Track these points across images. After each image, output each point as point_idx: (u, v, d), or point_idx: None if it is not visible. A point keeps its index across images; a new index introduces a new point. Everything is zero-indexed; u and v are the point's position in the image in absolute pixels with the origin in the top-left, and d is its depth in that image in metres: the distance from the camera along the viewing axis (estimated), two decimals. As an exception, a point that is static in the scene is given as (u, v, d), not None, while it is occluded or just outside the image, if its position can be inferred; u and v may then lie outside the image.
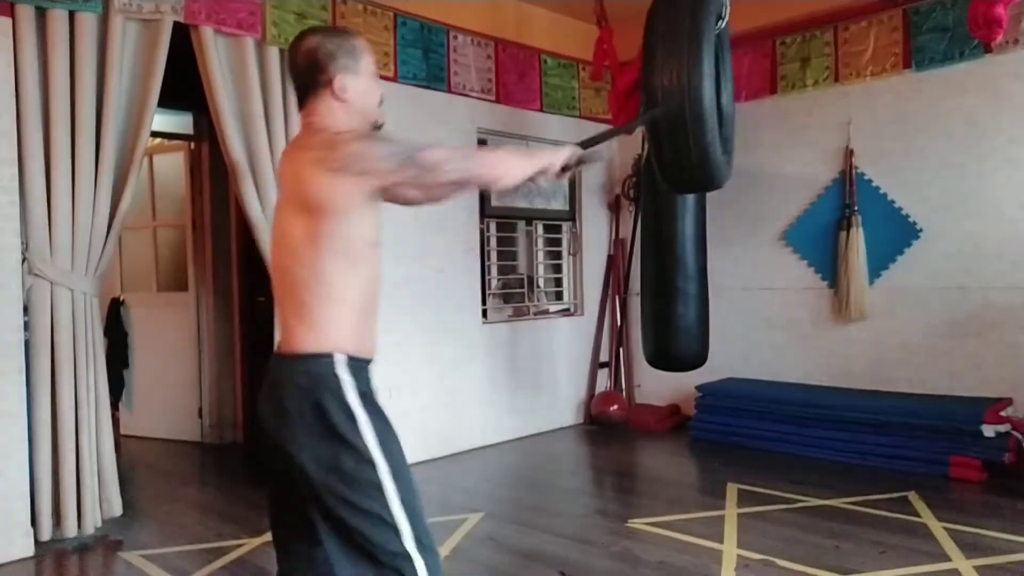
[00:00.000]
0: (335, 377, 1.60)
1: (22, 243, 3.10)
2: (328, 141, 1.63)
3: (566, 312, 5.69)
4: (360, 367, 1.65)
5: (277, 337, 1.74)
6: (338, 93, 1.70)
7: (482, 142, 4.96)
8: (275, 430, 1.62)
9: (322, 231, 1.60)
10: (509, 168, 1.76)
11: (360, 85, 1.73)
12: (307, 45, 1.72)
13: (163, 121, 4.93)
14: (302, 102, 1.75)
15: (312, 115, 1.73)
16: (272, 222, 1.84)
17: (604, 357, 5.76)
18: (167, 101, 3.55)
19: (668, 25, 3.17)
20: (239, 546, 3.14)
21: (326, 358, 1.61)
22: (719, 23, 3.37)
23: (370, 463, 1.58)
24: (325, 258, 1.61)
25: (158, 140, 5.13)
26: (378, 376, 1.73)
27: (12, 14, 3.05)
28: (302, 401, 1.59)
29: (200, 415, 5.17)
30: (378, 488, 1.58)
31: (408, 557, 1.59)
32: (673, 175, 3.42)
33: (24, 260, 3.11)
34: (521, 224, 5.47)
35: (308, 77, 1.72)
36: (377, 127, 1.79)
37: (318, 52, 1.70)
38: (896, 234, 4.54)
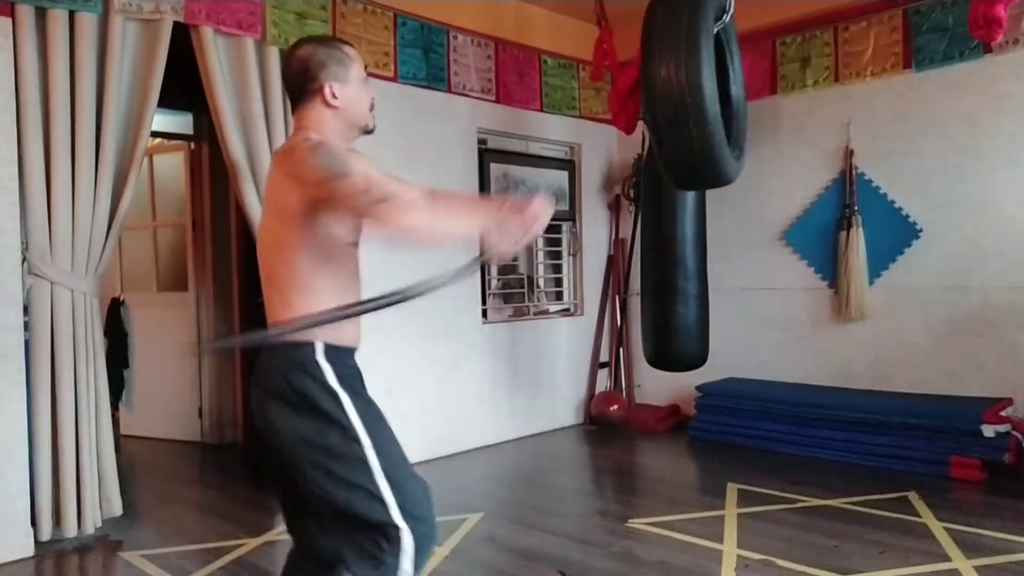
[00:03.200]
0: (315, 363, 1.71)
1: (22, 243, 3.10)
2: (294, 146, 1.74)
3: (566, 312, 5.69)
4: (340, 354, 1.76)
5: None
6: (328, 99, 1.80)
7: (482, 142, 4.97)
8: (262, 414, 1.74)
9: (293, 233, 1.72)
10: (438, 222, 1.67)
11: (349, 92, 1.82)
12: (299, 54, 1.82)
13: (163, 121, 4.93)
14: (294, 107, 1.85)
15: (303, 120, 1.83)
16: (260, 221, 1.89)
17: (604, 357, 5.76)
18: (167, 101, 3.55)
19: (665, 23, 3.16)
20: (239, 546, 3.14)
21: (307, 346, 1.71)
22: (724, 17, 3.36)
23: (355, 439, 1.69)
24: (302, 257, 1.72)
25: (158, 140, 5.14)
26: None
27: (12, 14, 3.05)
28: (284, 385, 1.70)
29: (200, 415, 5.17)
30: (363, 462, 1.68)
31: (394, 526, 1.69)
32: (678, 171, 3.40)
33: (24, 260, 3.11)
34: (521, 224, 5.46)
35: (300, 84, 1.82)
36: (368, 131, 1.89)
37: (310, 61, 1.80)
38: (896, 234, 4.54)
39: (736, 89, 3.68)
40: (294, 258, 1.72)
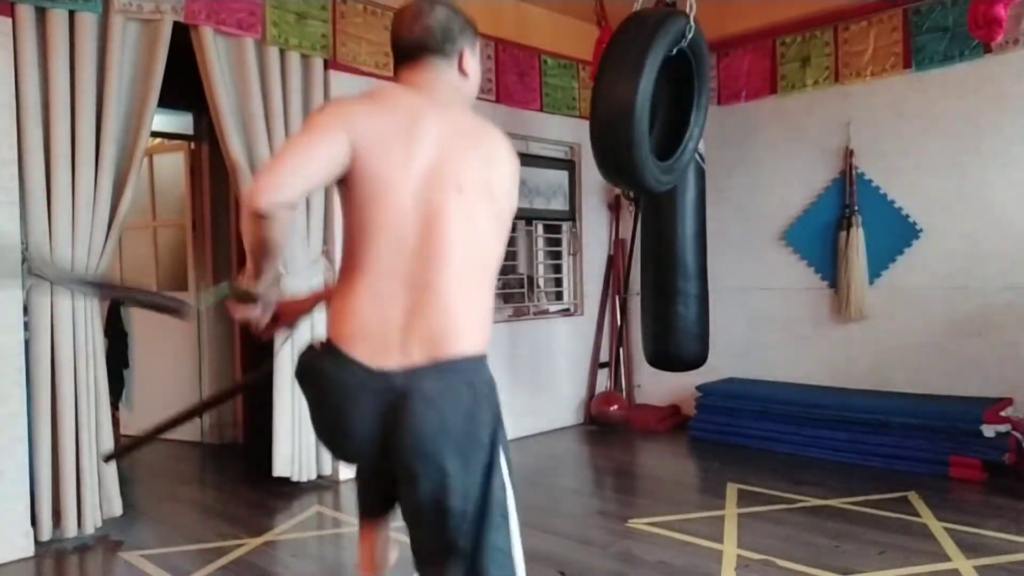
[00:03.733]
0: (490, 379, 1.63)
1: (22, 243, 3.10)
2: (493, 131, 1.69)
3: (566, 312, 5.69)
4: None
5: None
6: (464, 67, 1.68)
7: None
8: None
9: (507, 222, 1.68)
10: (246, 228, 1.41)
11: (476, 64, 1.72)
12: (444, 11, 1.65)
13: (163, 121, 4.93)
14: (410, 63, 1.65)
15: (435, 82, 1.65)
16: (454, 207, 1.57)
17: (604, 357, 5.75)
18: (167, 101, 3.55)
19: (617, 50, 3.55)
20: (239, 546, 3.14)
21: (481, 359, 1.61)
22: (681, 41, 3.48)
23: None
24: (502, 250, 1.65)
25: (158, 140, 5.13)
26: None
27: (12, 14, 3.04)
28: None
29: (200, 415, 5.17)
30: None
31: None
32: (605, 174, 3.83)
33: (24, 260, 3.11)
34: (521, 224, 5.47)
35: (438, 41, 1.64)
36: None
37: (454, 21, 1.66)
38: (896, 234, 4.54)
39: (697, 115, 3.86)
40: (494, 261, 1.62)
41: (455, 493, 1.47)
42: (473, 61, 1.69)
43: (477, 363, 1.54)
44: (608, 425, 5.41)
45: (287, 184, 1.36)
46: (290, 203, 1.37)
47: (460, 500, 1.47)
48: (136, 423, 5.35)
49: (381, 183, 1.48)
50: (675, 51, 3.53)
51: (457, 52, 1.65)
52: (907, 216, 4.52)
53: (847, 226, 4.66)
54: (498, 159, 1.62)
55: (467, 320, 1.52)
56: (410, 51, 1.65)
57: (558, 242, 5.68)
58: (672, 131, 3.86)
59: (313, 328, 3.11)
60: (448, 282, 1.50)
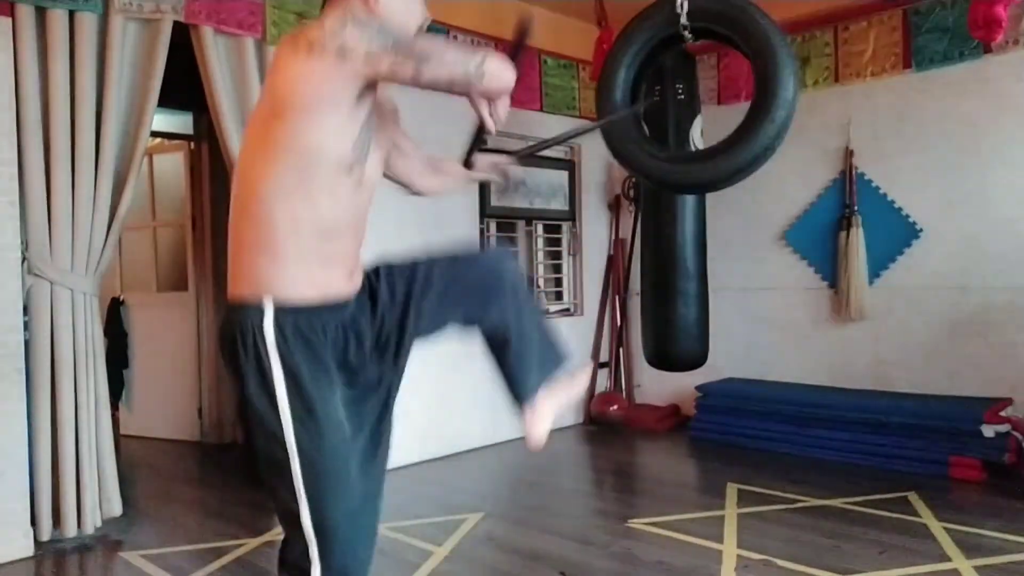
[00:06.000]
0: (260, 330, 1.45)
1: (22, 243, 3.10)
2: (305, 25, 1.41)
3: (566, 312, 5.69)
4: (296, 314, 1.45)
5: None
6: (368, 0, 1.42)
7: (482, 142, 4.96)
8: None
9: (276, 136, 1.37)
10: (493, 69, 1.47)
11: (399, 3, 1.45)
12: None
13: (163, 121, 4.93)
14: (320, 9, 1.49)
15: (325, 16, 1.43)
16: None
17: (604, 357, 5.75)
18: (167, 101, 3.56)
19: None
20: (239, 546, 3.14)
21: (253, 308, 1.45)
22: (677, 22, 3.43)
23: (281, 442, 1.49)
24: (272, 172, 1.40)
25: (158, 140, 5.13)
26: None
27: (12, 14, 3.04)
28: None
29: (200, 415, 5.17)
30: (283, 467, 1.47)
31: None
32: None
33: (24, 260, 3.11)
34: (521, 224, 5.47)
35: None
36: None
37: None
38: (896, 234, 4.54)
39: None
40: (263, 174, 1.43)
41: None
42: None
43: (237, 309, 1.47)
44: (608, 425, 5.41)
45: None
46: None
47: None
48: (136, 423, 5.36)
49: None
50: (680, 32, 3.45)
51: None
52: (907, 216, 4.52)
53: (847, 226, 4.66)
54: (271, 66, 1.43)
55: (231, 263, 1.50)
56: None
57: (558, 242, 5.68)
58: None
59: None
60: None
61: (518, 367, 1.78)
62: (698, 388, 4.98)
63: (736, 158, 3.40)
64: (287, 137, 1.36)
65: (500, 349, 1.78)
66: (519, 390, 1.80)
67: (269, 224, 1.41)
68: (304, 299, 1.44)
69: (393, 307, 1.64)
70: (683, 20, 3.41)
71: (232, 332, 1.45)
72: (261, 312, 1.42)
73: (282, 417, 1.42)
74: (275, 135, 1.37)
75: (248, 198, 1.44)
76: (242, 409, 1.51)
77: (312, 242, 1.43)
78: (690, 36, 3.48)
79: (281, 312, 1.43)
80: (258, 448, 1.48)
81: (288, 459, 1.43)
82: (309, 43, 1.31)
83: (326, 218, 1.44)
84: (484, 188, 4.97)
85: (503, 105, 1.59)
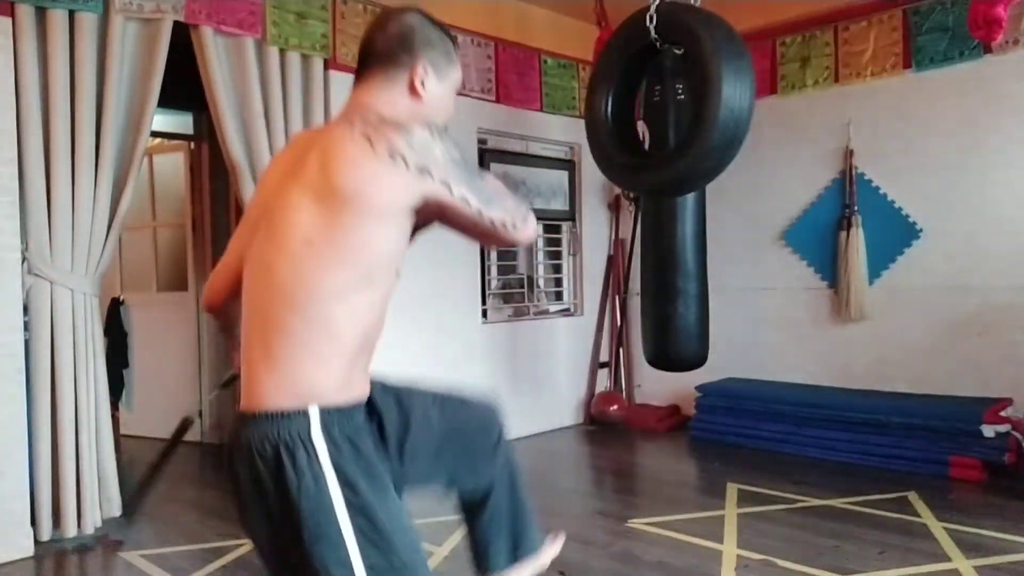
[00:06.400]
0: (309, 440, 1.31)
1: (22, 243, 3.10)
2: (383, 119, 1.35)
3: (566, 312, 5.69)
4: (340, 417, 1.34)
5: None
6: (415, 84, 1.44)
7: (482, 142, 4.97)
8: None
9: (345, 233, 1.30)
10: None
11: (440, 91, 1.48)
12: (407, 20, 1.46)
13: (163, 121, 4.92)
14: (362, 76, 1.46)
15: (370, 95, 1.43)
16: (246, 229, 1.57)
17: (604, 357, 5.75)
18: (167, 101, 3.55)
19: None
20: (239, 546, 3.13)
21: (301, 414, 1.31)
22: (647, 35, 3.53)
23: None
24: (337, 272, 1.30)
25: (158, 140, 5.13)
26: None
27: (12, 14, 3.04)
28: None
29: (200, 415, 5.17)
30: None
31: None
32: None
33: (24, 260, 3.11)
34: (521, 224, 5.46)
35: (391, 50, 1.43)
36: None
37: (416, 32, 1.45)
38: (896, 234, 4.54)
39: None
40: (321, 270, 1.31)
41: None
42: (435, 83, 1.46)
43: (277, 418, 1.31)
44: (608, 425, 5.41)
45: None
46: None
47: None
48: (136, 423, 5.35)
49: None
50: (650, 45, 3.61)
51: (409, 66, 1.43)
52: (907, 216, 4.52)
53: (847, 226, 4.66)
54: (332, 149, 1.33)
55: (262, 368, 1.33)
56: (360, 61, 1.47)
57: (558, 242, 5.68)
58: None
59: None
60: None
61: (489, 536, 1.78)
62: (698, 388, 4.98)
63: (679, 165, 3.53)
64: (358, 238, 1.30)
65: (474, 511, 1.77)
66: (486, 562, 1.78)
67: (326, 325, 1.31)
68: (344, 402, 1.34)
69: (398, 421, 1.55)
70: (652, 34, 3.56)
71: (271, 447, 1.30)
72: (308, 420, 1.30)
73: (346, 538, 1.29)
74: (343, 233, 1.30)
75: (304, 296, 1.31)
76: (284, 535, 1.34)
77: (358, 343, 1.35)
78: (666, 46, 3.62)
79: (327, 416, 1.31)
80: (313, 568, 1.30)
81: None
82: (391, 149, 1.29)
83: (377, 321, 1.38)
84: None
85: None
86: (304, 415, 1.30)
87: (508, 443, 1.76)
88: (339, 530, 1.28)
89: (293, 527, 1.30)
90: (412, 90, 1.45)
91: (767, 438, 4.59)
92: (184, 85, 3.66)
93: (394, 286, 1.42)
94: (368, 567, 1.29)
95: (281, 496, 1.31)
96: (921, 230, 4.48)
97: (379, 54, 1.44)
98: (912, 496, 3.59)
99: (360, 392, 1.41)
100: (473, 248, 4.90)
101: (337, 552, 1.28)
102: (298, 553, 1.31)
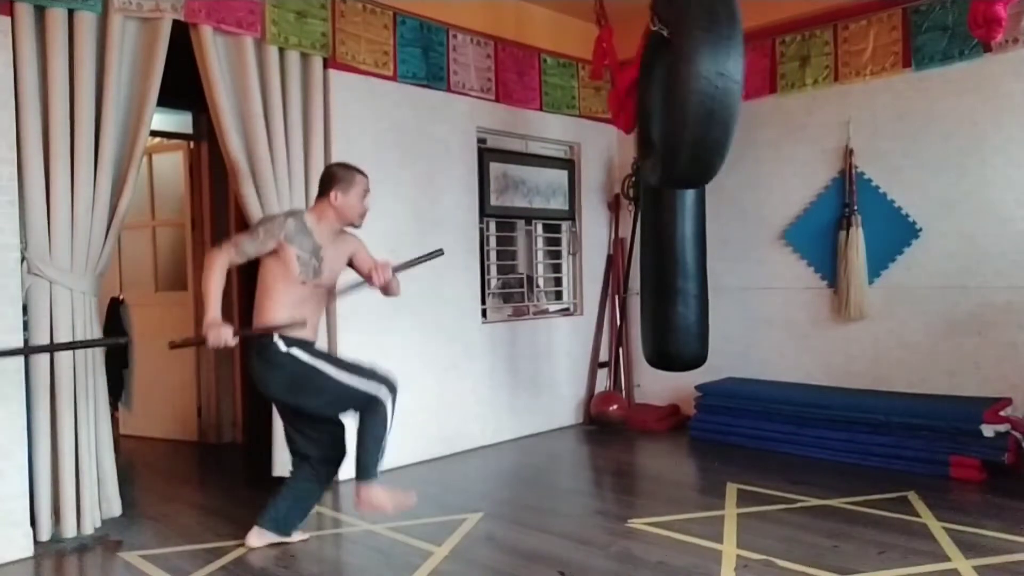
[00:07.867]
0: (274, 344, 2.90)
1: (21, 243, 3.09)
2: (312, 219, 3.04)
3: (566, 312, 5.69)
4: (294, 340, 2.92)
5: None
6: (331, 200, 2.99)
7: (482, 141, 4.97)
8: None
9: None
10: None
11: (346, 201, 2.99)
12: (330, 169, 3.11)
13: (162, 120, 4.92)
14: (317, 198, 3.07)
15: (316, 208, 3.04)
16: None
17: (604, 357, 5.75)
18: (167, 100, 3.55)
19: None
20: (239, 546, 3.13)
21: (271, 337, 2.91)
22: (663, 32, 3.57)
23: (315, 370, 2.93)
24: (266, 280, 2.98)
25: (157, 139, 5.13)
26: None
27: (11, 13, 3.04)
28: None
29: (199, 415, 5.17)
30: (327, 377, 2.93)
31: (372, 397, 2.93)
32: None
33: (23, 260, 3.11)
34: (521, 223, 5.47)
35: (323, 186, 3.04)
36: (354, 226, 3.06)
37: (332, 173, 3.04)
38: (896, 234, 4.54)
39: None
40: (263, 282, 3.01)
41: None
42: (343, 199, 2.98)
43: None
44: (608, 425, 5.41)
45: None
46: None
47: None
48: (136, 423, 5.35)
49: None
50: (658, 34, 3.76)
51: (329, 191, 2.99)
52: (907, 216, 4.52)
53: (847, 226, 4.66)
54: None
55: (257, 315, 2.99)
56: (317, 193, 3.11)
57: (558, 242, 5.68)
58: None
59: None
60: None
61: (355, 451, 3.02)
62: (698, 388, 4.98)
63: (660, 145, 3.71)
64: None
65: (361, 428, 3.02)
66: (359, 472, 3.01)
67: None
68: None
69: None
70: (653, 25, 3.68)
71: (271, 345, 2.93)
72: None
73: (318, 365, 2.94)
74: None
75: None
76: (287, 381, 2.93)
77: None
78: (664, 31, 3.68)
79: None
80: (312, 392, 2.94)
81: (330, 376, 2.92)
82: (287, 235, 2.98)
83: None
84: (484, 187, 4.97)
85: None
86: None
87: (376, 404, 2.95)
88: (313, 368, 2.93)
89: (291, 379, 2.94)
90: (331, 204, 3.00)
91: (767, 438, 4.59)
92: (183, 84, 3.65)
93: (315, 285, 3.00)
94: (330, 365, 2.99)
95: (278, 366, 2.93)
96: (920, 229, 4.47)
97: (320, 190, 3.05)
98: (912, 496, 3.59)
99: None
100: (473, 248, 4.90)
101: (315, 372, 2.93)
102: (292, 394, 2.99)
